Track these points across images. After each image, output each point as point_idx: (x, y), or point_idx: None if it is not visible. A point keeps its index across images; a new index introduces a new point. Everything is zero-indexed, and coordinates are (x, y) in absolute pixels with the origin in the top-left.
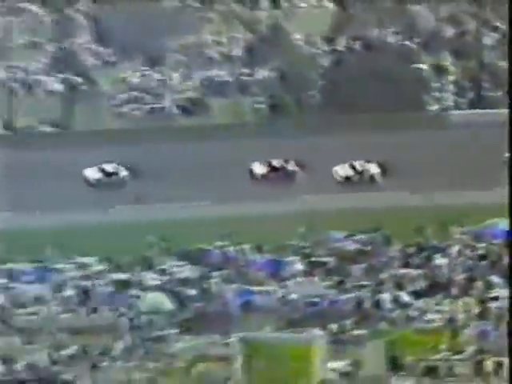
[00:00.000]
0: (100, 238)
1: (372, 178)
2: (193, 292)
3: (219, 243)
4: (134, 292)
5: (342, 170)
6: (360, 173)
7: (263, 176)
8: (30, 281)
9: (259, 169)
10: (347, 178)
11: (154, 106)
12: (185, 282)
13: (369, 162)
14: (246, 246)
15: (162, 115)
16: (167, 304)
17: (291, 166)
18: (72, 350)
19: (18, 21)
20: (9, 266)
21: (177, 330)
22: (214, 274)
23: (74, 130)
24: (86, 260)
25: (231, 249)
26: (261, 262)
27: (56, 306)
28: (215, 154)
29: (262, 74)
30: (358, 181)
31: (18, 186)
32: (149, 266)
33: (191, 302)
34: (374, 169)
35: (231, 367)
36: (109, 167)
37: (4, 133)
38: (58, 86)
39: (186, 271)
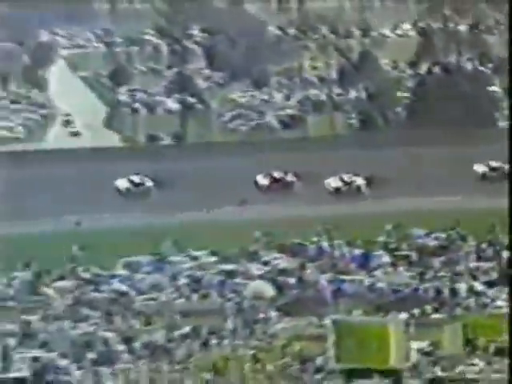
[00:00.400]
0: (211, 234)
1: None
2: (291, 280)
3: (315, 239)
4: (240, 280)
5: None
6: None
7: (267, 187)
8: (149, 271)
9: (263, 180)
10: None
11: (258, 121)
12: (284, 271)
13: None
14: (339, 242)
15: (265, 130)
16: (269, 290)
17: (289, 177)
18: (185, 330)
19: (139, 50)
20: (131, 259)
21: (277, 313)
22: (310, 265)
23: (188, 143)
24: (198, 253)
25: (325, 244)
26: (352, 255)
27: (171, 292)
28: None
29: (353, 93)
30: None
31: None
32: (253, 258)
33: (290, 289)
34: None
35: (324, 345)
36: (136, 178)
37: (125, 145)
38: (175, 106)
39: (286, 262)
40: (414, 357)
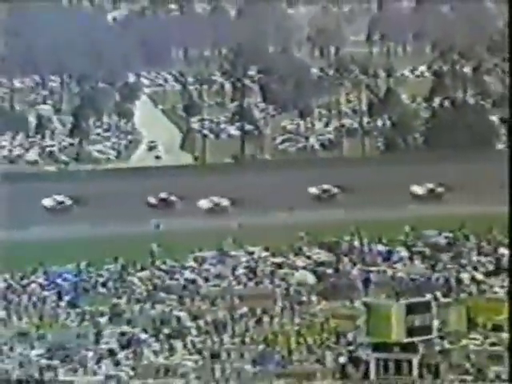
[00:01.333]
0: (264, 234)
1: None
2: (329, 271)
3: (347, 237)
4: (287, 270)
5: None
6: None
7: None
8: (214, 263)
9: (153, 200)
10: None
11: (303, 144)
12: (323, 263)
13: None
14: (367, 240)
15: (309, 150)
16: (310, 279)
17: (172, 197)
18: (242, 310)
19: (207, 88)
20: (199, 253)
21: (317, 297)
22: (344, 258)
23: (247, 161)
24: (253, 249)
25: (356, 242)
26: (377, 250)
27: (231, 280)
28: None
29: (379, 122)
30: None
31: None
32: (298, 252)
33: (327, 278)
34: None
35: (354, 323)
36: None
37: (194, 163)
38: (236, 132)
39: (324, 256)
40: (435, 333)
